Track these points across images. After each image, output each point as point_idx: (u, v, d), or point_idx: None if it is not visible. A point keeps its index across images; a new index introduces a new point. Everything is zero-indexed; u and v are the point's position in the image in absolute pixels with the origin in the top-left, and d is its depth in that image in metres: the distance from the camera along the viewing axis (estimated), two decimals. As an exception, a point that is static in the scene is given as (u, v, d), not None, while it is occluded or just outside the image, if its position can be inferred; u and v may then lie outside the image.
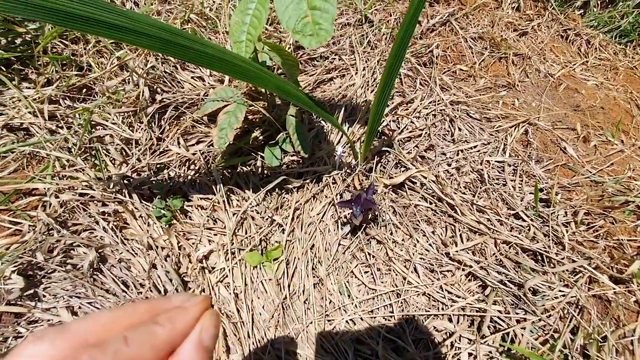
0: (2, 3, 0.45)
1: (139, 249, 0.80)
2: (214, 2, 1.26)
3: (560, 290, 0.82)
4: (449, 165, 1.01)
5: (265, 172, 0.96)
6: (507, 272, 0.83)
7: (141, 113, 0.95)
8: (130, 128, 0.95)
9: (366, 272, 0.85)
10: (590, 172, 1.04)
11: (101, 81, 1.00)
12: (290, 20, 0.59)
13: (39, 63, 1.00)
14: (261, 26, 0.71)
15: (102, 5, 0.51)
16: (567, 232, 0.90)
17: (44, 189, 0.84)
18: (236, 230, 0.86)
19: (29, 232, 0.78)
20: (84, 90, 1.01)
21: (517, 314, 0.78)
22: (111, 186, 0.85)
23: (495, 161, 1.02)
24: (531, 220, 0.91)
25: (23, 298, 0.73)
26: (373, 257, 0.86)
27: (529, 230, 0.89)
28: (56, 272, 0.76)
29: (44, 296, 0.74)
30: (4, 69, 0.99)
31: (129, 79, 1.00)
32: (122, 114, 0.95)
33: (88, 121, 0.92)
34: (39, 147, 0.89)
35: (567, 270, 0.85)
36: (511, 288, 0.81)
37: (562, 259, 0.87)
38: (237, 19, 0.73)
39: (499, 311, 0.78)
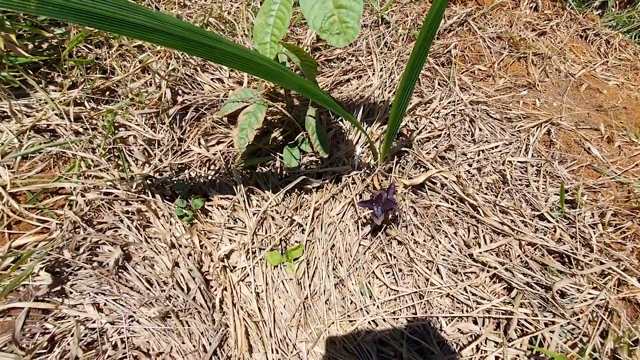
0: (41, 7, 0.46)
1: (162, 247, 0.81)
2: (232, 5, 1.28)
3: (589, 293, 0.80)
4: (470, 165, 0.99)
5: (284, 172, 0.97)
6: (533, 274, 0.81)
7: (163, 114, 0.96)
8: (153, 129, 0.96)
9: (387, 273, 0.84)
10: (616, 173, 1.02)
11: (124, 83, 1.02)
12: (316, 20, 0.60)
13: (64, 66, 1.03)
14: (285, 27, 0.72)
15: (133, 7, 0.52)
16: (594, 233, 0.87)
17: (70, 188, 0.85)
18: (256, 230, 0.86)
19: (56, 230, 0.80)
20: (108, 92, 1.04)
21: (545, 317, 0.76)
22: (134, 186, 0.86)
23: (518, 162, 1.00)
24: (557, 221, 0.89)
25: (51, 294, 0.74)
26: (394, 257, 0.85)
27: (555, 231, 0.87)
28: (82, 269, 0.77)
29: (71, 293, 0.75)
30: (32, 73, 1.02)
31: (151, 81, 1.02)
32: (145, 115, 0.97)
33: (112, 122, 0.94)
34: (65, 147, 0.91)
35: (595, 272, 0.83)
36: (538, 290, 0.79)
37: (590, 261, 0.84)
38: (261, 21, 0.74)
39: (526, 314, 0.76)
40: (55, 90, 1.01)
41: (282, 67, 0.67)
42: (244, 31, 1.18)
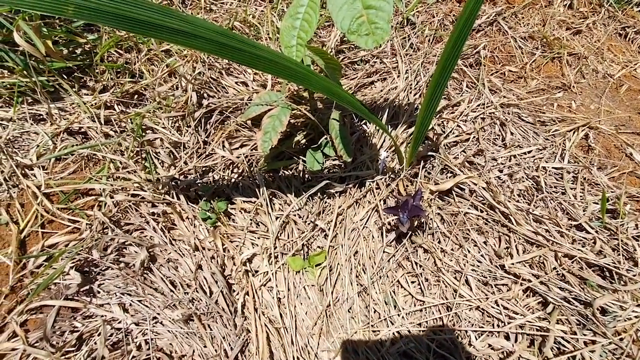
0: (78, 11, 0.47)
1: (186, 249, 0.82)
2: (256, 9, 1.28)
3: (633, 311, 0.74)
4: (501, 171, 0.95)
5: (307, 176, 0.95)
6: (571, 288, 0.76)
7: (189, 117, 0.98)
8: (179, 132, 0.98)
9: (413, 282, 0.81)
10: (663, 181, 0.94)
11: (152, 87, 1.04)
12: (344, 21, 0.58)
13: (96, 71, 1.06)
14: (312, 30, 0.71)
15: (166, 11, 0.52)
16: (639, 246, 0.81)
17: (100, 189, 0.88)
18: (279, 234, 0.86)
19: (86, 230, 0.82)
20: (136, 96, 1.06)
21: (584, 335, 0.71)
22: (160, 188, 0.88)
23: (553, 168, 0.95)
24: (596, 232, 0.83)
25: (80, 293, 0.76)
26: (420, 266, 0.82)
27: (595, 243, 0.82)
28: (110, 270, 0.78)
29: (98, 292, 0.77)
30: (66, 77, 1.06)
31: (177, 84, 1.04)
32: (171, 118, 0.98)
33: (139, 125, 0.96)
34: (96, 149, 0.93)
35: (640, 289, 0.77)
36: (577, 306, 0.74)
37: (634, 275, 0.78)
38: (287, 24, 0.74)
39: (564, 331, 0.71)
40: (88, 94, 1.05)
41: (309, 70, 0.66)
42: (268, 34, 1.19)
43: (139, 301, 0.75)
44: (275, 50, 0.61)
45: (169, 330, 0.73)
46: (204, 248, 0.82)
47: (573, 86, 1.17)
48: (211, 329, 0.74)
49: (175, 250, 0.81)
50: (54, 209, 0.84)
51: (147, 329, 0.73)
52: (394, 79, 1.13)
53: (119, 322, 0.74)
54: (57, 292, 0.76)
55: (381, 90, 1.11)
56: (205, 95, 1.04)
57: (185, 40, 0.55)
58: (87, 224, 0.83)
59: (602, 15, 1.43)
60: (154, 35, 0.53)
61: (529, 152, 0.98)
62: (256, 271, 0.82)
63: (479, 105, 1.06)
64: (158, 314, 0.74)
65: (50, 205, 0.84)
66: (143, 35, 0.58)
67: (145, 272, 0.79)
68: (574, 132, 1.02)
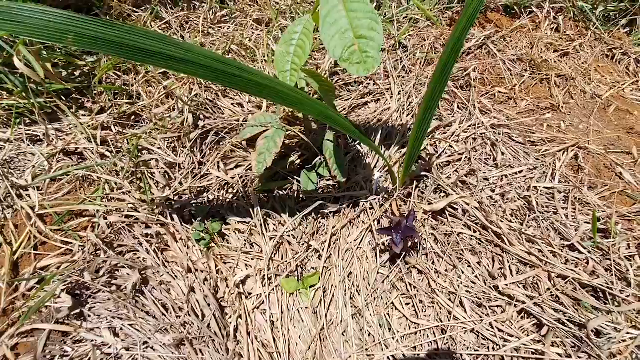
0: (78, 40, 0.49)
1: (179, 271, 0.81)
2: (253, 32, 1.32)
3: (627, 332, 0.74)
4: (493, 191, 0.96)
5: (302, 196, 0.96)
6: (565, 309, 0.75)
7: (185, 138, 0.99)
8: (174, 152, 0.98)
9: (407, 304, 0.80)
10: (653, 200, 0.96)
11: (149, 109, 1.06)
12: (336, 50, 0.60)
13: (94, 92, 1.08)
14: (305, 56, 0.73)
15: (161, 38, 0.54)
16: (631, 266, 0.82)
17: (94, 210, 0.88)
18: (273, 255, 0.86)
19: (78, 252, 0.81)
20: (133, 117, 1.08)
21: (579, 358, 0.70)
22: (155, 209, 0.88)
23: (544, 187, 0.96)
24: (589, 252, 0.84)
25: (70, 317, 0.75)
26: (414, 288, 0.81)
27: (587, 263, 0.82)
28: (101, 293, 0.78)
29: (89, 316, 0.76)
30: (64, 98, 1.07)
31: (174, 106, 1.05)
32: (167, 139, 0.99)
33: (136, 146, 0.97)
34: (91, 170, 0.94)
35: (634, 309, 0.77)
36: (571, 328, 0.73)
37: (628, 296, 0.78)
38: (282, 49, 0.76)
39: (559, 354, 0.71)
40: (85, 115, 1.06)
41: (303, 94, 0.67)
42: (264, 57, 1.22)
43: (130, 325, 0.74)
44: (268, 75, 0.63)
45: (159, 356, 0.72)
46: (197, 270, 0.82)
47: (562, 107, 1.20)
48: (203, 354, 0.72)
49: (168, 273, 0.80)
50: (47, 230, 0.84)
51: (137, 354, 0.72)
52: (387, 100, 1.15)
53: (109, 347, 0.72)
54: (48, 316, 0.74)
55: (375, 111, 1.13)
56: (201, 116, 1.06)
57: (181, 67, 0.56)
58: (79, 245, 0.82)
59: (589, 38, 1.48)
60: (150, 62, 0.54)
61: (520, 172, 0.99)
62: (249, 293, 0.81)
63: (470, 126, 1.09)
64: (149, 338, 0.73)
65: (43, 227, 0.84)
66: (141, 63, 0.60)
67: (137, 295, 0.78)
68: (563, 152, 1.04)
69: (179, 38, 1.28)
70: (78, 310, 0.76)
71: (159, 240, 0.85)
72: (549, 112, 1.18)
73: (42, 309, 0.75)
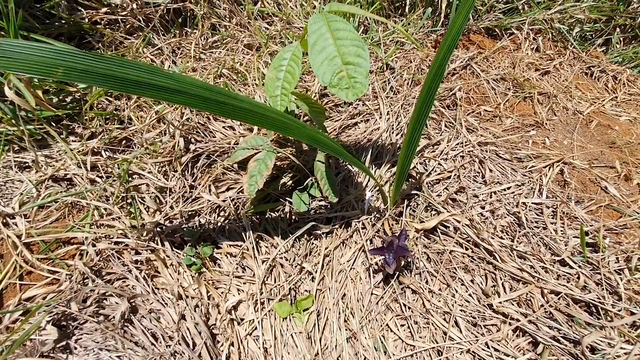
0: (67, 74, 0.50)
1: (169, 298, 0.79)
2: (244, 57, 1.35)
3: (621, 347, 0.74)
4: (483, 208, 0.97)
5: (294, 217, 0.96)
6: (559, 326, 0.75)
7: (176, 162, 0.99)
8: (165, 177, 0.98)
9: (402, 326, 0.79)
10: (638, 213, 0.98)
11: (140, 133, 1.06)
12: (325, 75, 0.62)
13: (85, 118, 1.08)
14: (295, 81, 0.75)
15: (151, 70, 0.55)
16: (621, 280, 0.82)
17: (82, 237, 0.86)
18: (265, 279, 0.85)
19: (65, 281, 0.80)
20: (124, 142, 1.08)
21: (576, 376, 0.70)
22: (145, 234, 0.87)
23: (532, 203, 0.98)
24: (579, 267, 0.85)
25: (56, 350, 0.72)
26: (409, 308, 0.81)
27: (579, 278, 0.83)
28: (88, 323, 0.75)
29: (75, 348, 0.73)
30: (54, 124, 1.07)
31: (165, 130, 1.06)
32: (158, 163, 0.99)
33: (126, 171, 0.96)
34: (80, 197, 0.93)
35: (626, 323, 0.77)
36: (566, 345, 0.73)
37: (620, 310, 0.79)
38: (272, 75, 0.78)
39: (556, 373, 0.70)
40: (75, 141, 1.06)
41: (292, 119, 0.69)
42: (254, 81, 1.24)
43: (118, 357, 0.72)
44: (256, 101, 0.64)
45: (148, 388, 0.70)
46: (187, 296, 0.80)
47: (545, 123, 1.23)
48: (194, 385, 0.70)
49: (158, 300, 0.79)
50: (34, 259, 0.82)
51: (125, 388, 0.69)
52: (376, 120, 1.18)
53: (96, 381, 0.70)
54: (32, 349, 0.72)
55: (364, 131, 1.15)
56: (192, 140, 1.06)
57: (171, 97, 0.57)
58: (67, 274, 0.80)
59: (568, 57, 1.54)
60: (141, 93, 0.55)
61: (509, 188, 1.01)
62: (242, 319, 0.80)
63: (458, 144, 1.11)
64: (138, 370, 0.71)
65: (29, 256, 0.82)
66: (132, 94, 0.61)
67: (125, 324, 0.76)
68: (549, 168, 1.07)
69: (170, 63, 1.30)
70: (64, 343, 0.73)
71: (149, 267, 0.84)
72: (533, 129, 1.21)
73: (27, 342, 0.72)
